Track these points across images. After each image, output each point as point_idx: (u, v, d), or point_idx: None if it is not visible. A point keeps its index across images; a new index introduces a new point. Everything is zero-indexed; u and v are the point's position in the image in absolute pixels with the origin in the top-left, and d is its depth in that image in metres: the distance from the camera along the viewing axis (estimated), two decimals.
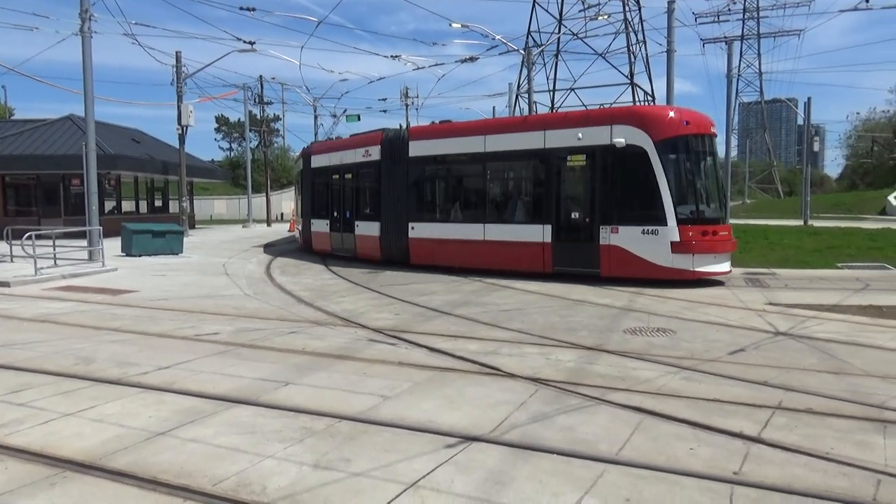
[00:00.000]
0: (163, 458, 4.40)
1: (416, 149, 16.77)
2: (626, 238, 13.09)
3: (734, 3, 49.76)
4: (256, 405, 5.52)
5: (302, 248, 22.72)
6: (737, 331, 8.62)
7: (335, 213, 20.24)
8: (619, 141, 12.99)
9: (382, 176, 17.56)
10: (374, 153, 17.85)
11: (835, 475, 4.08)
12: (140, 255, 19.21)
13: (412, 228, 16.77)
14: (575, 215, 14.05)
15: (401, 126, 18.26)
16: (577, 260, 13.74)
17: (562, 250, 13.97)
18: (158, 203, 35.44)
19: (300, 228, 23.52)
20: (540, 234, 14.14)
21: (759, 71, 55.14)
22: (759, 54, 54.97)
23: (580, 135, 13.56)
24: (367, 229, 18.20)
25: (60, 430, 4.97)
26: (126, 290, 12.82)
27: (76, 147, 23.96)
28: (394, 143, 17.29)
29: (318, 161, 21.45)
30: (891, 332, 8.48)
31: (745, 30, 52.23)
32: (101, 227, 17.23)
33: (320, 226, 21.01)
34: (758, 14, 52.02)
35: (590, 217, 13.65)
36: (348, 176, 19.47)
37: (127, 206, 32.70)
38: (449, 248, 15.96)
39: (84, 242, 17.81)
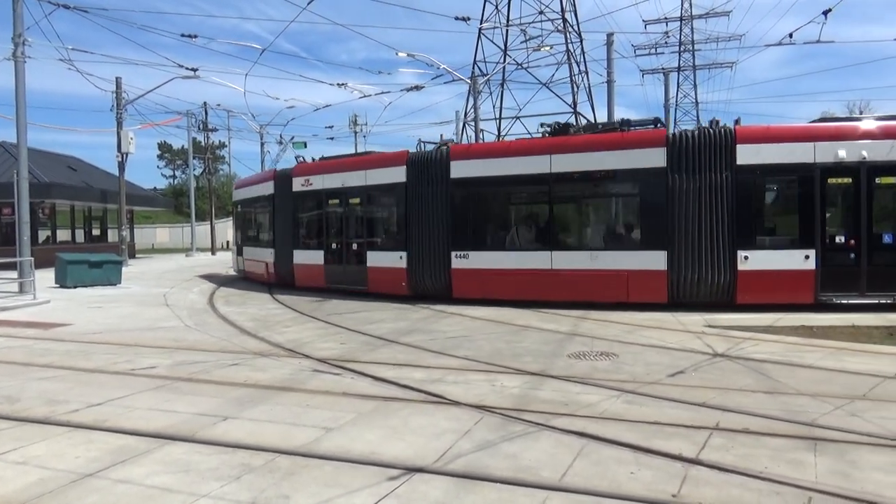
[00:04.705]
0: (89, 501, 4.19)
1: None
2: None
3: (669, 36, 51.86)
4: (192, 442, 5.33)
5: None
6: (677, 353, 8.82)
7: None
8: None
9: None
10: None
11: (768, 494, 4.18)
12: (75, 287, 18.47)
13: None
14: None
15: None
16: None
17: None
18: (96, 232, 34.26)
19: None
20: None
21: (696, 101, 57.44)
22: (694, 85, 57.27)
23: None
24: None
25: None
26: (58, 324, 12.28)
27: (7, 175, 22.99)
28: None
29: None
30: (821, 352, 8.81)
31: (680, 62, 54.38)
32: (32, 258, 16.52)
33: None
34: (693, 47, 54.26)
35: None
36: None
37: (62, 235, 31.44)
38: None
39: (15, 274, 17.04)
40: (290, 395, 6.84)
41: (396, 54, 24.73)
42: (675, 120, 51.40)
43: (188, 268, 28.01)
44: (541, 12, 32.56)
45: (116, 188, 29.51)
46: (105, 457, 4.99)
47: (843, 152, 11.85)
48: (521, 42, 31.66)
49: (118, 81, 28.33)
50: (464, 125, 33.09)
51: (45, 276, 18.76)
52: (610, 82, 23.54)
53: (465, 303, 14.20)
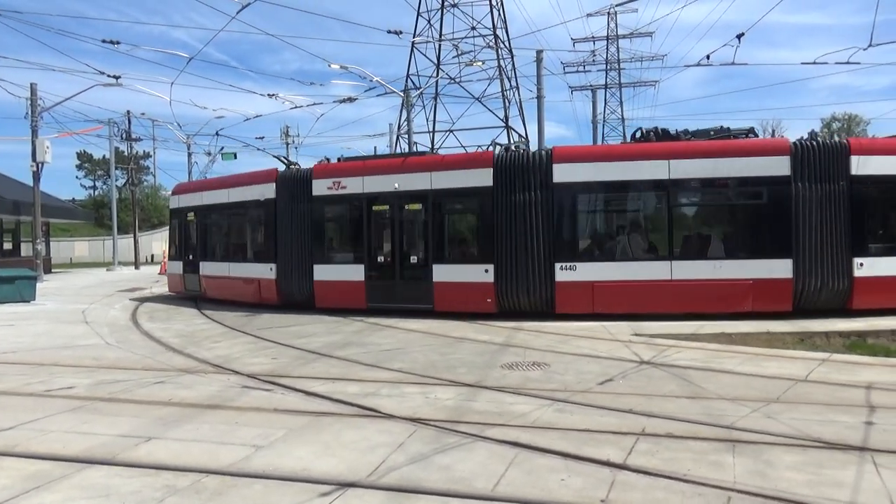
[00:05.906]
0: None
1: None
2: None
3: (596, 55, 53.80)
4: (113, 464, 5.09)
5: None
6: (606, 361, 9.06)
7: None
8: None
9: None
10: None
11: (691, 496, 4.35)
12: None
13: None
14: None
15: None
16: None
17: None
18: (8, 246, 32.39)
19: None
20: None
21: (622, 117, 59.73)
22: (621, 102, 59.64)
23: None
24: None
25: None
26: None
27: None
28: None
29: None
30: (739, 357, 9.24)
31: (607, 79, 56.44)
32: None
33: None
34: (618, 66, 56.49)
35: None
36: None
37: None
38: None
39: None
40: (217, 413, 6.64)
41: (329, 66, 24.57)
42: (603, 135, 53.13)
43: (110, 283, 26.83)
44: (473, 28, 33.14)
45: (31, 199, 28.00)
46: (17, 484, 4.71)
47: None
48: (454, 57, 32.15)
49: (33, 87, 26.97)
50: (397, 138, 33.18)
51: None
52: (540, 98, 24.14)
53: (407, 315, 14.16)
